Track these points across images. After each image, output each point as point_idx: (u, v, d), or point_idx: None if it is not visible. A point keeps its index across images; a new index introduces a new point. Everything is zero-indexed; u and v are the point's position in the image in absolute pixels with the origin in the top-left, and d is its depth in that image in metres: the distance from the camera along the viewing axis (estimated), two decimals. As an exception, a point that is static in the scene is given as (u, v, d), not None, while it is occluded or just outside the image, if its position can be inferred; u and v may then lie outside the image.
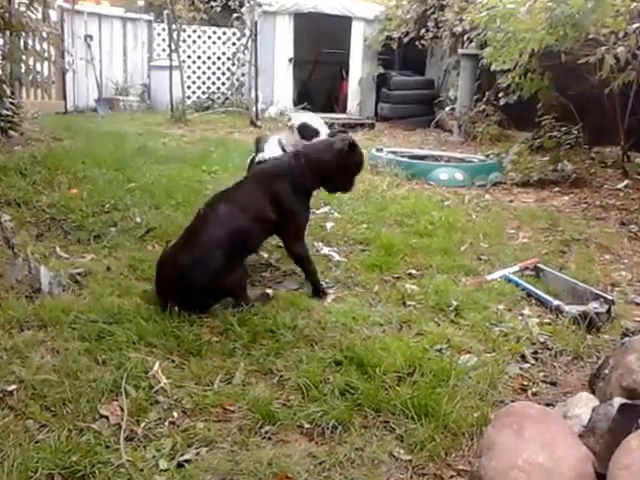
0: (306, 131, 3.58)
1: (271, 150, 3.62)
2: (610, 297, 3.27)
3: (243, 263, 3.18)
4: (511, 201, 5.97)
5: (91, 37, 11.07)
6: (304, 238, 3.40)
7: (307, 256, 3.38)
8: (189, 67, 12.31)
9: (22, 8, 6.07)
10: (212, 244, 2.99)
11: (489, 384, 2.49)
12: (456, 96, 9.93)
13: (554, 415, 2.07)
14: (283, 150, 3.62)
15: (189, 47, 12.46)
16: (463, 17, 9.00)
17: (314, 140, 3.57)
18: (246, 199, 3.17)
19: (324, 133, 3.61)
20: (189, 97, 11.39)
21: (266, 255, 3.79)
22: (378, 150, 7.44)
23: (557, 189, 6.33)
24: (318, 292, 3.34)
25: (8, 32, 5.98)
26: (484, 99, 9.05)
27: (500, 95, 8.10)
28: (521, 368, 2.71)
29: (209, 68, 12.80)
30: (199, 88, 12.69)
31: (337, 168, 3.25)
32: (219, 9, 11.82)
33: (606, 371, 2.30)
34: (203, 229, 3.09)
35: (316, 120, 3.71)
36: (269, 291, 3.29)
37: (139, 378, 2.42)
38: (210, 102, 12.05)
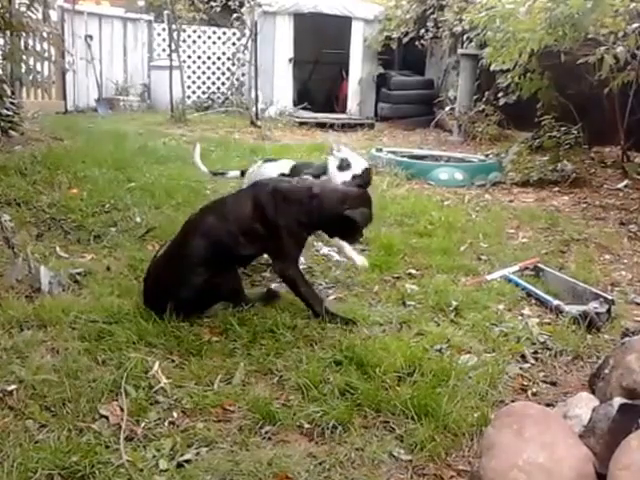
0: (342, 163, 3.68)
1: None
2: (610, 297, 3.27)
3: (234, 270, 3.09)
4: (511, 201, 5.97)
5: (91, 37, 11.08)
6: (296, 260, 3.14)
7: (299, 278, 3.07)
8: (189, 67, 12.33)
9: (22, 8, 6.08)
10: (194, 258, 2.95)
11: (489, 384, 2.48)
12: (456, 96, 9.93)
13: (554, 415, 2.07)
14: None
15: (189, 47, 12.48)
16: (462, 17, 9.01)
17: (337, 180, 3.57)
18: (240, 214, 3.05)
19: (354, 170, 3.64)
20: (189, 97, 11.39)
21: (266, 255, 3.78)
22: (378, 150, 7.44)
23: (557, 189, 6.33)
24: (317, 315, 2.99)
25: (8, 32, 5.98)
26: (484, 99, 9.06)
27: (500, 95, 8.13)
28: (521, 368, 2.71)
29: (209, 68, 12.81)
30: (199, 88, 12.70)
31: (342, 225, 3.09)
32: (219, 9, 11.82)
33: (606, 371, 2.30)
34: (186, 240, 3.05)
35: (356, 158, 3.78)
36: (274, 285, 3.25)
37: (139, 378, 2.41)
38: (210, 102, 12.07)
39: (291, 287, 3.07)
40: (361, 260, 3.49)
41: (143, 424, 2.17)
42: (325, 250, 4.02)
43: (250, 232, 2.99)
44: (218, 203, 3.20)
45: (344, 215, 2.98)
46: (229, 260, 3.04)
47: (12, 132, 6.21)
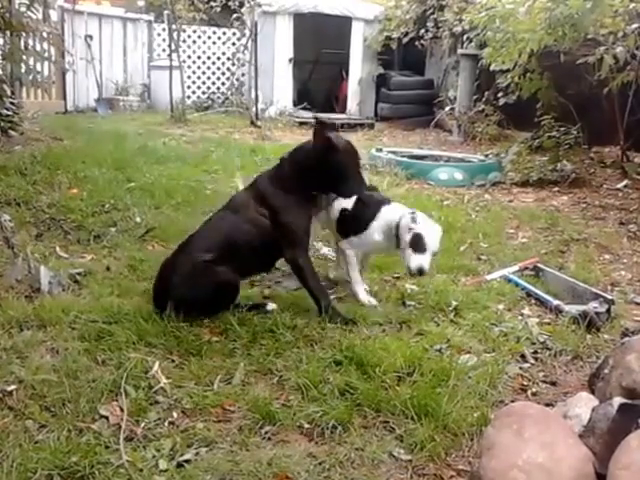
0: (416, 239, 3.14)
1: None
2: (610, 297, 3.27)
3: (226, 275, 2.95)
4: (510, 201, 5.98)
5: (91, 37, 11.09)
6: (305, 248, 3.13)
7: (308, 268, 3.08)
8: (189, 67, 12.33)
9: (22, 8, 6.08)
10: (195, 251, 2.98)
11: (489, 384, 2.48)
12: (455, 96, 9.95)
13: (554, 415, 2.07)
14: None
15: (189, 47, 12.49)
16: (462, 17, 9.03)
17: None
18: (243, 206, 3.11)
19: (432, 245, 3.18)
20: (189, 97, 11.40)
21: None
22: (378, 150, 7.45)
23: (556, 189, 6.34)
24: (321, 309, 3.01)
25: (8, 32, 5.98)
26: (483, 99, 9.07)
27: (499, 95, 8.14)
28: (521, 368, 2.71)
29: (209, 68, 12.82)
30: (199, 88, 12.71)
31: (328, 173, 3.02)
32: (219, 9, 11.83)
33: (606, 371, 2.30)
34: (191, 236, 3.11)
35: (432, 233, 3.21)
36: (270, 306, 3.10)
37: (139, 378, 2.41)
38: (210, 102, 12.08)
39: (299, 276, 3.10)
40: (366, 299, 3.28)
41: (143, 424, 2.17)
42: (325, 250, 4.02)
43: (254, 223, 3.02)
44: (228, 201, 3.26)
45: (322, 162, 2.98)
46: (240, 258, 3.00)
47: (12, 132, 6.21)
